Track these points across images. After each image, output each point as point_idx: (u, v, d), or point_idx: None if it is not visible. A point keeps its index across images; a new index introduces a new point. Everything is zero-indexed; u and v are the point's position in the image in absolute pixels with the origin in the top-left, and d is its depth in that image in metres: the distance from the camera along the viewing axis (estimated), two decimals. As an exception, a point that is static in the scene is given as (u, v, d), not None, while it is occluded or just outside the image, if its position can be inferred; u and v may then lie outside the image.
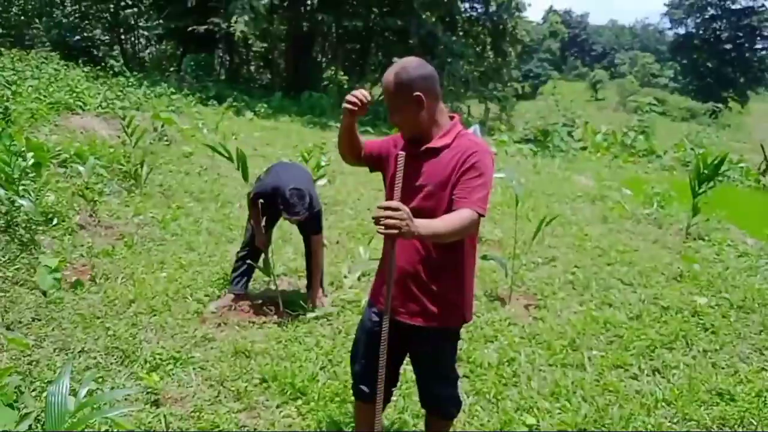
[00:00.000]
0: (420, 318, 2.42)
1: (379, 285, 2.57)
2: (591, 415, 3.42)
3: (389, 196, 2.46)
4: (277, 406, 3.34)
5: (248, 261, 4.60)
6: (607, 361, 4.09)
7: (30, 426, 2.63)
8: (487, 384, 3.70)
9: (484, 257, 5.47)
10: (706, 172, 7.33)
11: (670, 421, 3.44)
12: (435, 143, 2.35)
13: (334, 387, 3.48)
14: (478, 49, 29.02)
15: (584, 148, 18.29)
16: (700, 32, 57.77)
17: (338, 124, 2.51)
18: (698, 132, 23.01)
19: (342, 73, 27.05)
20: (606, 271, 5.91)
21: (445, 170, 2.31)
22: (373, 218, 1.98)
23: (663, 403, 3.60)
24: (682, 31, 60.82)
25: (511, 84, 36.08)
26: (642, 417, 3.43)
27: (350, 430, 3.11)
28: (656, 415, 3.47)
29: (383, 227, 1.96)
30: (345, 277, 5.26)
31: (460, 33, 27.85)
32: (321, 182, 7.32)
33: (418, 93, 2.30)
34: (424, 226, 2.06)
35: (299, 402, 3.37)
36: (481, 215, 2.23)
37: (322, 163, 7.69)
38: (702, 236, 7.40)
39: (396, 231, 1.95)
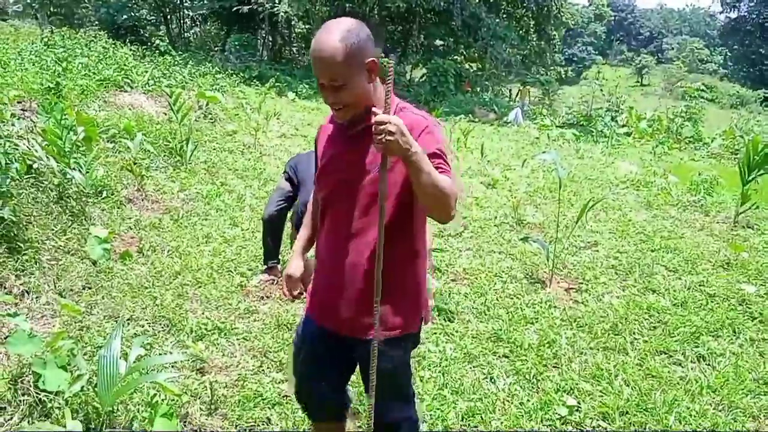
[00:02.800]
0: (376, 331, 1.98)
1: (322, 292, 2.15)
2: (633, 399, 3.38)
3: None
4: (319, 379, 3.39)
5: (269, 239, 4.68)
6: (650, 347, 4.03)
7: (82, 387, 2.73)
8: (527, 365, 3.69)
9: (525, 239, 5.44)
10: (756, 158, 7.10)
11: (714, 409, 3.38)
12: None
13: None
14: (521, 31, 28.60)
15: (628, 134, 17.84)
16: (753, 16, 55.74)
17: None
18: (748, 119, 22.22)
19: (383, 55, 26.92)
20: (650, 257, 5.80)
21: None
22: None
23: (708, 390, 3.53)
24: (734, 15, 58.82)
25: (554, 68, 35.51)
26: (686, 403, 3.38)
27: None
28: (701, 402, 3.41)
29: (381, 144, 1.69)
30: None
31: (504, 15, 27.46)
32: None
33: (371, 59, 1.90)
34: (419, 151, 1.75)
35: (340, 375, 3.41)
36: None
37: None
38: (750, 225, 7.20)
39: (392, 138, 1.67)
